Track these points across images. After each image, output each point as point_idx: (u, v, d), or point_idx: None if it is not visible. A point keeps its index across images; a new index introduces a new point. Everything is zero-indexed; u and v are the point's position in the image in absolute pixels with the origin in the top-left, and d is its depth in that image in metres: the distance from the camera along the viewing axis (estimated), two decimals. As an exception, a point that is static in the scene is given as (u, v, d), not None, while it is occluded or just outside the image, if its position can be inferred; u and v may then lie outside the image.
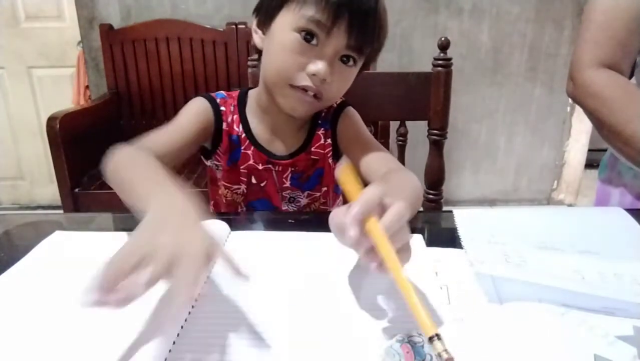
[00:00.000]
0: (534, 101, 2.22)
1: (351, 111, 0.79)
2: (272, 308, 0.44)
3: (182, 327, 0.41)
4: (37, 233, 0.60)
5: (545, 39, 2.12)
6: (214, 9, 2.01)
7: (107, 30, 1.95)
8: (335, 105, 0.78)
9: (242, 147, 0.77)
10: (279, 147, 0.77)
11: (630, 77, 0.78)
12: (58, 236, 0.59)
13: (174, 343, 0.39)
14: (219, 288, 0.47)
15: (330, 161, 0.79)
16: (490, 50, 2.13)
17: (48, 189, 2.39)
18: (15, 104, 2.29)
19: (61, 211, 1.74)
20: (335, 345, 0.39)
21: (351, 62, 0.66)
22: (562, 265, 0.49)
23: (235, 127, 0.76)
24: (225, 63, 1.96)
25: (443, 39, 0.96)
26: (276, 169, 0.77)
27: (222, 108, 0.75)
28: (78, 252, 0.56)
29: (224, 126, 0.75)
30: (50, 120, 1.55)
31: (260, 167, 0.77)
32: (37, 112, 2.29)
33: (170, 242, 0.36)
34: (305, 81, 0.64)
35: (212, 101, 0.74)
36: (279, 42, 0.64)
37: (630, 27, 0.73)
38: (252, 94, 0.77)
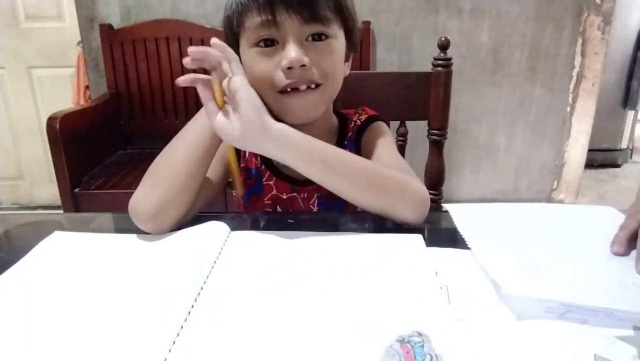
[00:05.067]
0: (534, 101, 2.22)
1: (376, 126, 0.75)
2: (271, 308, 0.44)
3: (182, 327, 0.41)
4: (37, 233, 0.60)
5: (545, 39, 2.12)
6: (214, 9, 2.00)
7: (107, 30, 1.95)
8: (359, 122, 0.75)
9: (264, 179, 0.73)
10: None
11: None
12: (58, 236, 0.59)
13: (174, 343, 0.39)
14: (219, 288, 0.47)
15: None
16: (490, 50, 2.13)
17: (48, 189, 2.38)
18: (15, 104, 2.29)
19: (61, 211, 1.74)
20: (335, 345, 0.39)
21: (324, 37, 0.62)
22: (578, 273, 0.48)
23: (253, 159, 0.73)
24: (225, 63, 1.96)
25: (443, 39, 0.96)
26: (302, 196, 0.74)
27: None
28: (78, 252, 0.56)
29: (241, 162, 0.72)
30: (50, 120, 1.55)
31: (284, 196, 0.74)
32: (37, 112, 2.29)
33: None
34: (288, 78, 0.61)
35: None
36: (249, 69, 0.61)
37: None
38: None
